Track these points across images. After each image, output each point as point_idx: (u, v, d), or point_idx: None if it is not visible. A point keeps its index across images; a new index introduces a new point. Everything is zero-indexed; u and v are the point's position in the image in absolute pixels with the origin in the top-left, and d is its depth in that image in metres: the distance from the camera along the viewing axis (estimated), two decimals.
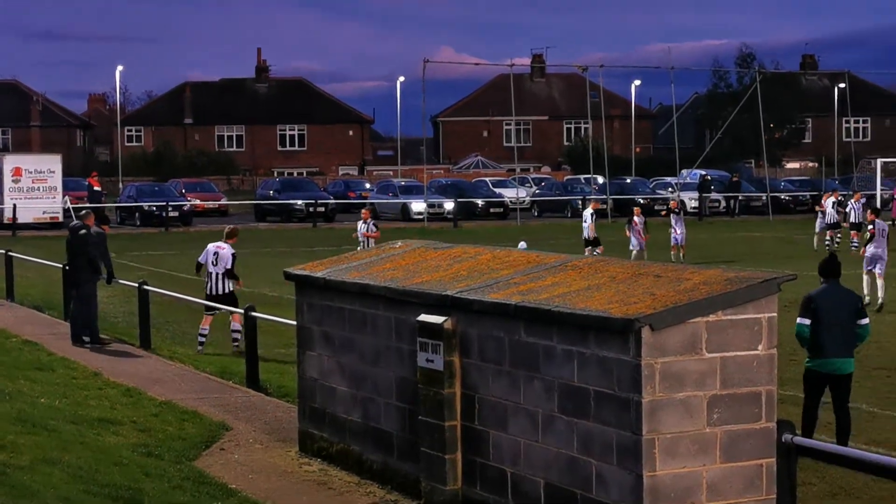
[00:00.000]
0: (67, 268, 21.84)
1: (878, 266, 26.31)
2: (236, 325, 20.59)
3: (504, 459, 10.15)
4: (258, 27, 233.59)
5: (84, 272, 20.85)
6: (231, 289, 21.21)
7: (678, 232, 37.50)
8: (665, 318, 8.81)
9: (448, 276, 11.32)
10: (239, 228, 23.38)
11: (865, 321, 13.54)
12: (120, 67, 76.26)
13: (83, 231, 21.02)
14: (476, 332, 10.44)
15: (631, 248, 36.33)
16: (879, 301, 25.88)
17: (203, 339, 21.03)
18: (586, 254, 35.11)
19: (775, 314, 9.25)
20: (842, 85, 76.67)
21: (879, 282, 26.20)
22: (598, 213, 38.12)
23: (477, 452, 10.46)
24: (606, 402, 9.08)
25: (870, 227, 27.22)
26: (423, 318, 10.86)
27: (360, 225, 33.67)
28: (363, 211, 35.38)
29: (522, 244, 20.71)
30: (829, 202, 41.61)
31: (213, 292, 21.06)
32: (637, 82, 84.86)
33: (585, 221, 36.53)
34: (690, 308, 8.91)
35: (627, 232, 36.70)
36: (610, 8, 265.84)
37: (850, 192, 45.08)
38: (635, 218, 36.67)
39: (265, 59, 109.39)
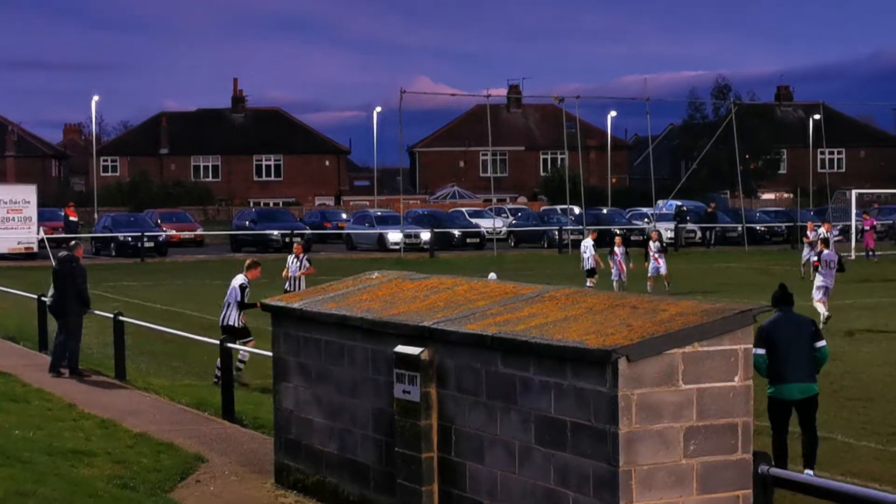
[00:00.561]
0: (51, 299, 21.65)
1: (822, 293, 28.01)
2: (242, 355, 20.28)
3: (481, 491, 10.12)
4: (234, 57, 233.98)
5: (73, 304, 20.79)
6: (233, 322, 21.01)
7: (660, 262, 37.47)
8: (642, 350, 8.82)
9: (425, 308, 11.31)
10: (258, 261, 22.41)
11: (822, 343, 13.80)
12: (96, 97, 75.85)
13: (73, 263, 20.99)
14: (453, 364, 10.43)
15: (612, 278, 36.47)
16: (822, 318, 27.06)
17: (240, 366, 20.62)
18: (588, 284, 35.33)
19: (751, 345, 9.27)
20: (816, 116, 77.09)
21: (820, 307, 27.75)
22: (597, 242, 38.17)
23: (454, 484, 10.43)
24: (583, 433, 9.07)
25: (814, 258, 29.44)
26: (400, 349, 10.85)
27: (291, 260, 28.37)
28: (295, 244, 30.32)
29: (492, 275, 20.73)
30: (820, 232, 42.55)
31: (221, 323, 21.20)
32: (613, 113, 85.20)
33: (585, 252, 36.67)
34: (667, 339, 8.92)
35: (610, 263, 36.80)
36: (586, 39, 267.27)
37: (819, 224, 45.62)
38: (616, 248, 36.70)
39: (241, 89, 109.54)
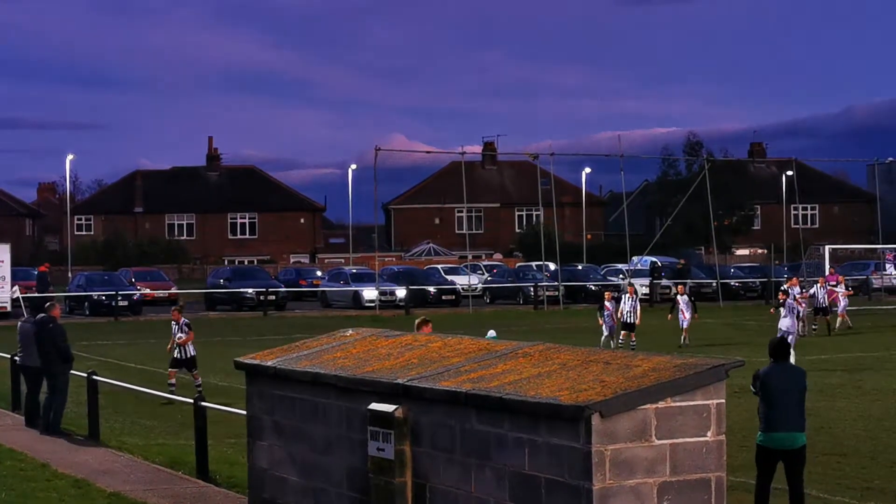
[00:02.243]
0: (22, 359, 21.66)
1: (790, 337, 30.78)
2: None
3: None
4: (208, 115, 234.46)
5: (56, 364, 20.78)
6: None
7: (686, 316, 38.25)
8: (615, 405, 8.84)
9: (399, 365, 11.32)
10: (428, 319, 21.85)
11: None
12: (70, 156, 75.84)
13: (52, 325, 21.00)
14: (427, 421, 10.43)
15: (603, 334, 36.39)
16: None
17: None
18: (621, 339, 36.05)
19: (723, 400, 9.30)
20: (789, 172, 77.60)
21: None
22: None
23: None
24: (558, 489, 9.07)
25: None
26: (374, 406, 10.84)
27: (175, 328, 27.67)
28: (173, 311, 28.68)
29: (492, 332, 20.65)
30: (814, 289, 43.81)
31: None
32: (587, 170, 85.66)
33: (625, 305, 36.49)
34: (640, 395, 8.94)
35: (599, 319, 36.80)
36: (559, 96, 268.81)
37: (789, 278, 46.12)
38: (606, 303, 36.71)
39: (216, 147, 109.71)
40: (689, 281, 65.03)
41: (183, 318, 27.57)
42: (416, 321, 20.51)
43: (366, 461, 11.06)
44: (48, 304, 22.16)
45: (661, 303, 62.55)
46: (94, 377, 21.22)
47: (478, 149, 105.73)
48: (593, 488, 8.78)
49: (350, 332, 13.35)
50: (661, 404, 9.03)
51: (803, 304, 39.53)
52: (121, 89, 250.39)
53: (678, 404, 9.09)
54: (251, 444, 13.14)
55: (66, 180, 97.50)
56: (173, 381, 26.92)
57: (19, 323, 23.08)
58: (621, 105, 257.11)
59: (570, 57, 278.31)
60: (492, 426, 9.71)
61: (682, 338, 38.06)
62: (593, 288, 63.73)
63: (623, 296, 37.80)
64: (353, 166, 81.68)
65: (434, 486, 10.36)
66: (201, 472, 16.97)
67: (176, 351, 27.33)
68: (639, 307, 37.07)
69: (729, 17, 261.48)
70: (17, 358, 23.16)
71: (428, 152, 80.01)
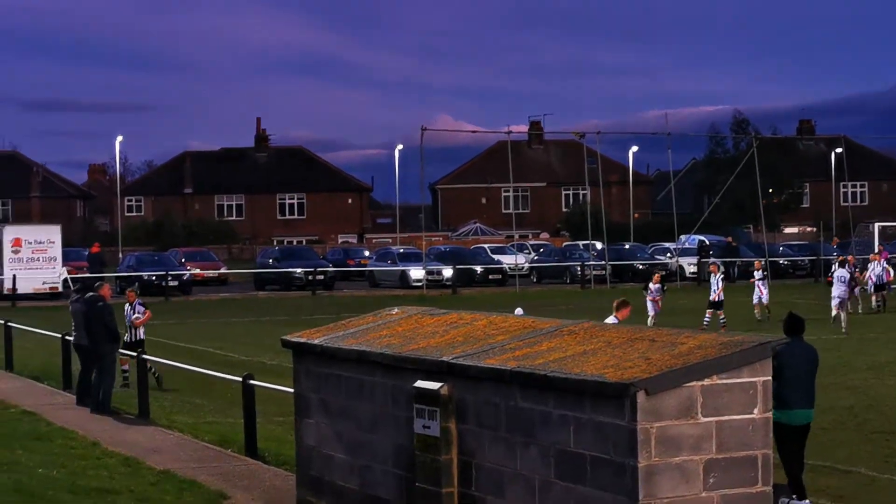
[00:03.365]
0: (76, 339, 21.85)
1: (836, 302, 36.31)
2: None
3: None
4: (256, 96, 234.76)
5: (105, 343, 20.95)
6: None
7: (763, 291, 39.03)
8: (660, 383, 8.84)
9: (444, 343, 11.35)
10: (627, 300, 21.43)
11: None
12: (120, 138, 76.43)
13: (100, 303, 21.17)
14: (472, 398, 10.46)
15: (650, 314, 36.00)
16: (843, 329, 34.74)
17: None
18: (707, 319, 36.04)
19: (770, 378, 9.28)
20: (839, 150, 76.96)
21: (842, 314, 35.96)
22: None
23: None
24: (603, 467, 9.09)
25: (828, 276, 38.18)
26: (420, 384, 10.89)
27: (126, 309, 25.83)
28: (128, 292, 27.48)
29: (519, 310, 20.70)
30: (872, 266, 43.93)
31: None
32: (634, 148, 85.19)
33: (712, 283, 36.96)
34: (685, 372, 8.94)
35: (649, 299, 36.41)
36: (605, 75, 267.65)
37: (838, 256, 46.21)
38: (651, 285, 36.46)
39: (265, 128, 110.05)
40: (738, 259, 64.81)
41: (137, 300, 26.34)
42: (616, 302, 20.53)
43: (412, 439, 11.12)
44: (97, 283, 22.36)
45: (710, 281, 62.27)
46: (144, 356, 21.39)
47: (524, 128, 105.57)
48: (638, 465, 8.79)
49: (395, 310, 13.40)
50: (706, 381, 9.02)
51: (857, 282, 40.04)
52: (169, 71, 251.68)
53: (724, 381, 9.08)
54: (298, 421, 13.23)
55: (116, 162, 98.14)
56: (126, 367, 25.34)
57: (70, 303, 23.24)
58: (667, 83, 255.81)
59: (616, 35, 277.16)
60: (536, 403, 9.73)
61: (756, 312, 38.87)
62: (640, 267, 63.51)
63: (755, 272, 39.30)
64: (400, 147, 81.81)
65: (479, 464, 10.40)
66: (250, 450, 17.09)
67: (126, 334, 25.39)
68: (722, 284, 37.06)
69: None
70: (69, 337, 23.37)
71: (474, 132, 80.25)
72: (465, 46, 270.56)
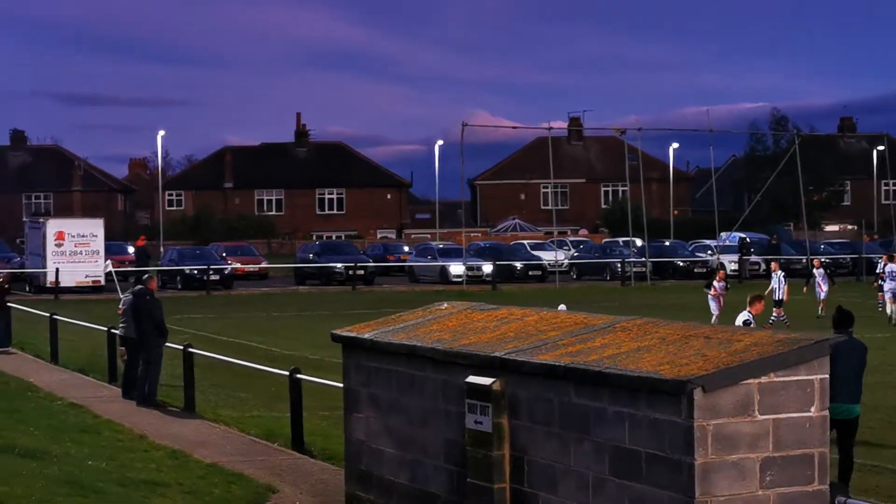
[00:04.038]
0: (123, 330, 21.95)
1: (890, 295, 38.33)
2: None
3: None
4: (294, 92, 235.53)
5: (152, 336, 21.05)
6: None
7: (823, 288, 39.84)
8: (717, 380, 8.80)
9: (495, 338, 11.34)
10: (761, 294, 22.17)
11: None
12: (162, 132, 76.51)
13: (148, 297, 21.28)
14: (525, 394, 10.44)
15: (713, 313, 35.42)
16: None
17: None
18: (773, 318, 35.73)
19: (827, 376, 9.23)
20: (881, 147, 76.44)
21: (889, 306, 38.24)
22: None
23: None
24: (658, 464, 9.05)
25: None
26: (472, 379, 10.87)
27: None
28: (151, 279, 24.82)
29: (562, 307, 20.67)
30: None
31: None
32: (675, 145, 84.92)
33: (773, 282, 37.19)
34: (742, 369, 8.89)
35: (711, 298, 35.89)
36: (642, 70, 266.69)
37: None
38: (715, 283, 35.99)
39: (304, 123, 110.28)
40: (781, 257, 64.44)
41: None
42: (749, 296, 20.51)
43: (462, 434, 11.10)
44: (146, 276, 22.44)
45: (751, 279, 62.04)
46: (190, 349, 21.47)
47: (563, 124, 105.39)
48: (695, 463, 8.75)
49: (445, 305, 13.38)
50: (763, 379, 8.97)
51: None
52: (207, 66, 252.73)
53: (781, 379, 9.02)
54: (348, 416, 13.23)
55: (156, 156, 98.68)
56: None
57: (122, 296, 23.16)
58: (705, 79, 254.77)
59: (654, 30, 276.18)
60: (590, 400, 9.70)
61: (820, 309, 39.06)
62: (681, 264, 63.36)
63: (816, 271, 40.31)
64: (440, 142, 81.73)
65: (532, 459, 10.37)
66: (297, 443, 17.12)
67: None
68: (785, 284, 37.11)
69: None
70: (115, 330, 23.47)
71: (514, 128, 79.75)
72: (501, 41, 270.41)
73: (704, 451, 8.78)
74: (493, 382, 10.63)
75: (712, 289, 35.83)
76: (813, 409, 9.15)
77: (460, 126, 60.63)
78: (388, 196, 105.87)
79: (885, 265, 41.82)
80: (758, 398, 8.96)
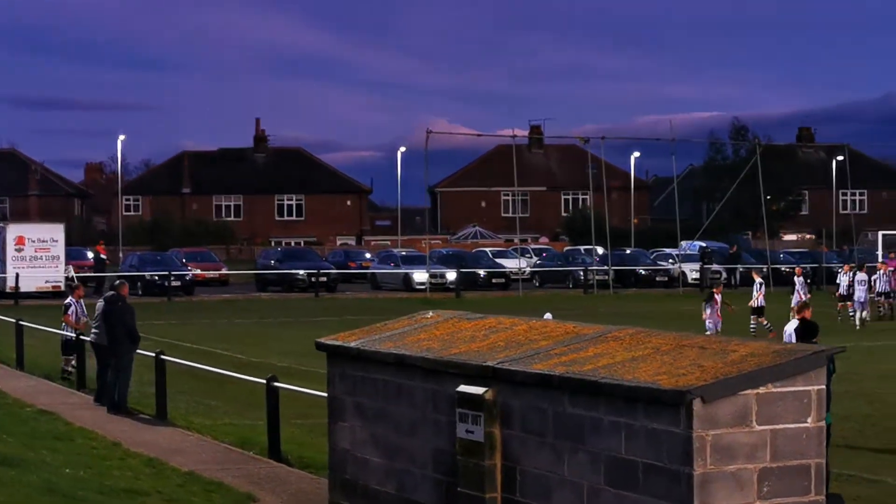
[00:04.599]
0: (94, 336, 21.81)
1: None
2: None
3: None
4: (250, 97, 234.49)
5: (123, 343, 20.89)
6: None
7: (802, 297, 38.89)
8: (716, 390, 8.80)
9: (486, 347, 11.30)
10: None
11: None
12: (122, 137, 76.10)
13: (120, 303, 21.12)
14: (518, 404, 10.41)
15: (707, 331, 33.18)
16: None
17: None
18: (754, 323, 36.20)
19: (824, 386, 9.24)
20: (840, 157, 77.04)
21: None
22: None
23: None
24: (656, 474, 9.04)
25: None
26: (463, 388, 10.83)
27: (75, 307, 25.47)
28: (78, 288, 26.45)
29: (548, 315, 20.63)
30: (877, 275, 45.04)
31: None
32: (636, 154, 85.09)
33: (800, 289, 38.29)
34: (741, 380, 8.90)
35: (705, 312, 34.22)
36: (600, 80, 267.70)
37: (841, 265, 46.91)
38: (716, 296, 34.40)
39: (263, 128, 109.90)
40: (740, 266, 64.84)
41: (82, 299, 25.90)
42: (796, 305, 20.51)
43: (452, 443, 11.06)
44: (117, 282, 22.28)
45: (712, 287, 62.22)
46: (163, 357, 21.31)
47: (522, 132, 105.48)
48: (694, 473, 8.74)
49: (430, 314, 13.34)
50: (761, 390, 8.98)
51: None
52: (166, 71, 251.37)
53: (779, 390, 9.03)
54: (332, 424, 13.15)
55: (114, 161, 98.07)
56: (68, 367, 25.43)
57: (98, 301, 22.93)
58: (661, 89, 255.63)
59: (611, 40, 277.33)
60: (586, 410, 9.68)
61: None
62: (643, 272, 63.57)
63: (797, 279, 40.94)
64: (403, 149, 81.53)
65: (525, 469, 10.34)
66: (273, 452, 17.01)
67: (72, 332, 25.14)
68: (763, 290, 37.84)
69: (765, 1, 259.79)
70: (86, 337, 23.30)
71: (479, 135, 79.44)
72: (460, 49, 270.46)
73: (703, 461, 8.77)
74: (486, 392, 10.59)
75: (714, 301, 34.25)
76: (810, 419, 9.16)
77: (417, 133, 61.92)
78: (348, 202, 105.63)
79: (852, 274, 42.48)
80: (756, 409, 8.96)
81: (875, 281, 44.68)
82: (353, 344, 12.70)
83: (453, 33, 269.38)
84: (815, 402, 9.18)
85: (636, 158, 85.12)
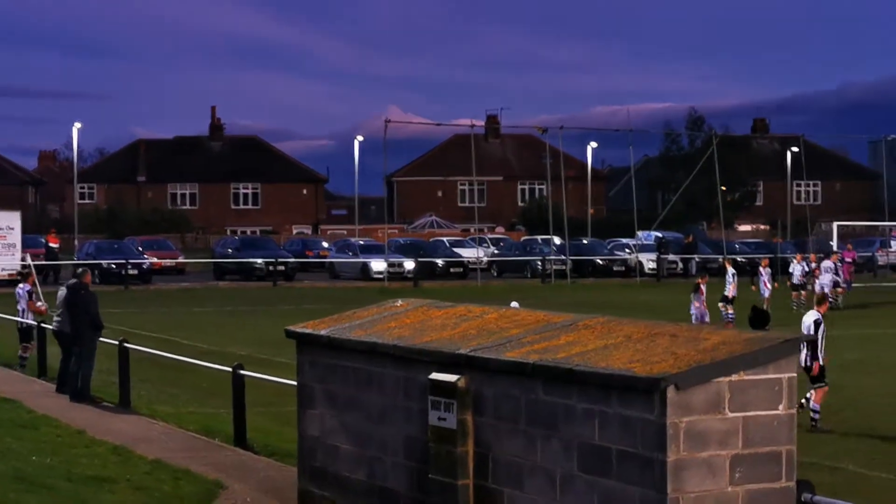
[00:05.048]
0: (57, 324, 21.72)
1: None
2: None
3: None
4: (203, 85, 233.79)
5: (86, 330, 20.81)
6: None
7: (768, 287, 41.07)
8: (690, 378, 8.89)
9: (457, 335, 11.36)
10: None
11: None
12: (77, 124, 75.17)
13: (83, 291, 21.03)
14: (491, 391, 10.47)
15: (694, 320, 33.28)
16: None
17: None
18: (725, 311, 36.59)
19: (795, 374, 9.36)
20: (795, 149, 77.61)
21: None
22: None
23: None
24: (629, 461, 9.13)
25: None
26: (436, 376, 10.88)
27: (26, 291, 26.02)
28: (31, 275, 27.12)
29: (514, 304, 20.70)
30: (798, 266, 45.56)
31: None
32: (594, 144, 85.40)
33: (729, 282, 37.92)
34: (715, 368, 9.00)
35: (695, 303, 34.01)
36: (552, 70, 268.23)
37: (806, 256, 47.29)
38: (702, 286, 34.21)
39: (219, 117, 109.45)
40: (696, 256, 65.23)
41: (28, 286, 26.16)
42: (817, 296, 21.93)
43: (423, 430, 11.11)
44: (80, 270, 22.19)
45: (668, 277, 62.68)
46: (126, 345, 21.27)
47: (474, 121, 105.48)
48: (667, 460, 8.83)
49: (399, 302, 13.38)
50: (734, 377, 9.08)
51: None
52: (118, 59, 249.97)
53: (751, 377, 9.14)
54: (301, 412, 13.17)
55: (68, 148, 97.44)
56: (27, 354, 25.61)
57: (60, 289, 22.84)
58: (614, 80, 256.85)
59: (565, 31, 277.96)
60: (559, 397, 9.75)
61: (765, 305, 38.94)
62: (600, 262, 63.86)
63: (763, 269, 41.74)
64: (360, 138, 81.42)
65: (497, 456, 10.41)
66: (239, 440, 17.01)
67: (30, 317, 25.49)
68: (735, 280, 38.18)
69: None
70: (48, 325, 23.21)
71: (439, 125, 79.53)
72: (413, 38, 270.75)
73: (676, 447, 8.87)
74: (459, 379, 10.65)
75: (700, 292, 34.02)
76: (781, 407, 9.28)
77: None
78: (304, 191, 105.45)
79: (808, 265, 42.98)
80: (728, 396, 9.07)
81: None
82: (323, 332, 12.73)
83: (406, 23, 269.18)
84: (786, 389, 9.29)
85: (589, 148, 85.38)
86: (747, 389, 9.15)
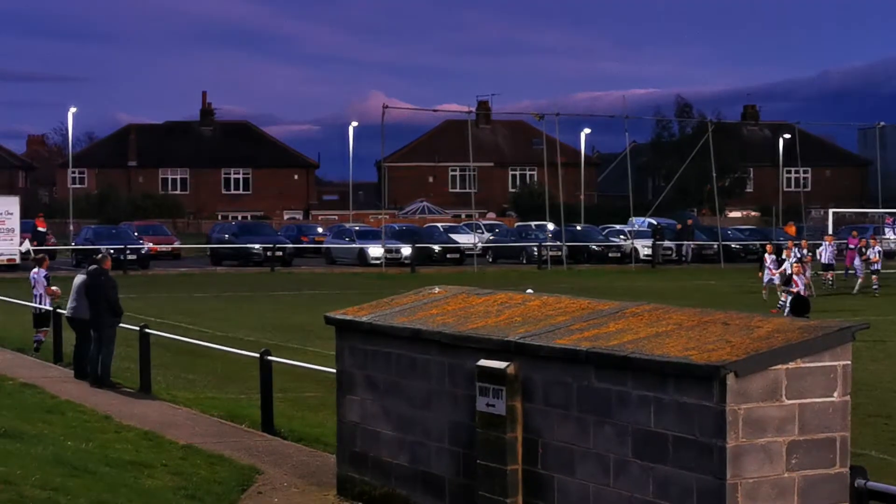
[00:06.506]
0: (71, 310, 21.78)
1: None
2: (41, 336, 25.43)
3: (571, 503, 10.29)
4: (193, 70, 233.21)
5: (106, 316, 20.86)
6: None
7: (774, 274, 40.22)
8: (749, 366, 9.04)
9: (503, 322, 11.49)
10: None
11: None
12: (73, 109, 74.79)
13: (103, 277, 21.08)
14: (541, 378, 10.60)
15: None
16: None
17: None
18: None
19: (849, 362, 9.52)
20: (787, 136, 77.83)
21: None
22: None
23: (540, 496, 10.59)
24: (687, 447, 9.27)
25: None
26: (484, 363, 11.01)
27: (42, 276, 25.86)
28: (46, 259, 26.82)
29: (529, 290, 20.82)
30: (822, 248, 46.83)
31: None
32: (587, 130, 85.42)
33: (780, 264, 38.79)
34: (772, 355, 9.14)
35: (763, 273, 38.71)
36: (539, 56, 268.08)
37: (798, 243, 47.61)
38: (766, 255, 38.70)
39: (210, 102, 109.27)
40: (691, 242, 65.43)
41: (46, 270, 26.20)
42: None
43: (469, 416, 11.25)
44: (100, 255, 22.22)
45: (663, 264, 62.90)
46: (147, 330, 21.34)
47: (463, 108, 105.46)
48: (727, 446, 8.99)
49: (437, 289, 13.49)
50: (791, 365, 9.23)
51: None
52: (108, 43, 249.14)
53: (807, 365, 9.29)
54: (341, 398, 13.29)
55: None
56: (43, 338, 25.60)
57: (77, 275, 22.80)
58: (597, 66, 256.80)
59: (548, 16, 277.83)
60: (613, 384, 9.89)
61: (764, 294, 40.21)
62: (596, 248, 64.03)
63: (767, 256, 41.17)
64: (355, 123, 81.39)
65: (547, 442, 10.55)
66: (266, 425, 17.11)
67: (46, 301, 25.63)
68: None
69: None
70: (62, 311, 23.26)
71: (435, 111, 79.66)
72: (400, 23, 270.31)
73: (735, 434, 9.02)
74: (508, 366, 10.78)
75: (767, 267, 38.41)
76: (836, 394, 9.44)
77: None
78: (296, 176, 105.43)
79: (801, 252, 43.11)
80: (785, 383, 9.22)
81: (820, 254, 45.87)
82: (364, 318, 12.84)
83: (392, 8, 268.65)
84: (840, 377, 9.46)
85: (576, 135, 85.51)
86: (804, 377, 9.30)
